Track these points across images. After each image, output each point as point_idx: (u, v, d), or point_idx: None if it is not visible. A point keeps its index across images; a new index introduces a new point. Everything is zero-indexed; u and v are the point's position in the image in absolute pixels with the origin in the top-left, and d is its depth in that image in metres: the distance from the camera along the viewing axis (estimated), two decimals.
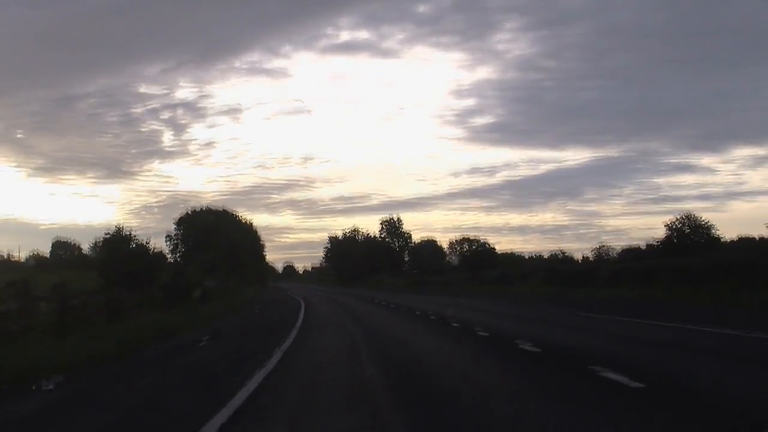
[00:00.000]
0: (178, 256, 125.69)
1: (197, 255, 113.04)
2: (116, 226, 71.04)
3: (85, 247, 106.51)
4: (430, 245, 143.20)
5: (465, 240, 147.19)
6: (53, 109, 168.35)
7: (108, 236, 69.35)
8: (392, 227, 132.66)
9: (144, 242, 71.29)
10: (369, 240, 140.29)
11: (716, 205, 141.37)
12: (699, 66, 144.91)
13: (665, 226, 55.12)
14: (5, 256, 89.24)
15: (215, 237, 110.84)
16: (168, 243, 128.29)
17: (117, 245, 68.49)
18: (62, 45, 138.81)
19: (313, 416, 7.45)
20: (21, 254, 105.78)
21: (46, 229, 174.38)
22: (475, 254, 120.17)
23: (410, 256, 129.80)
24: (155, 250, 74.09)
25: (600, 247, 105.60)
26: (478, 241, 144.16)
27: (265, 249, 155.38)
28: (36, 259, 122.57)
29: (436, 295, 53.40)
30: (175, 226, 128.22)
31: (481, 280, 68.12)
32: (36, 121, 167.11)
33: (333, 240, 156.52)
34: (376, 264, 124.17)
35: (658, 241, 57.64)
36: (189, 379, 10.82)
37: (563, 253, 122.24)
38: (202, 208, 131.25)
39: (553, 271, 48.57)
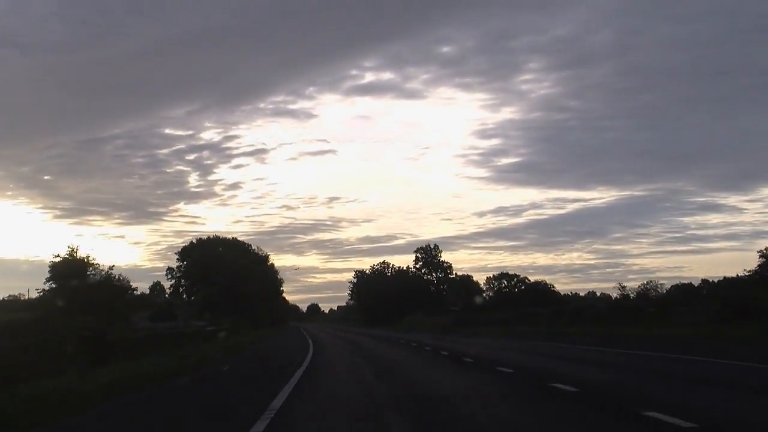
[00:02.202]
0: (180, 292, 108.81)
1: (201, 290, 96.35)
2: (69, 247, 54.63)
3: None
4: (467, 280, 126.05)
5: (503, 276, 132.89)
6: (79, 152, 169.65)
7: (58, 261, 52.80)
8: (429, 257, 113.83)
9: (107, 271, 54.60)
10: (401, 274, 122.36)
11: (744, 245, 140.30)
12: (724, 105, 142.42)
13: (759, 253, 47.85)
14: (17, 295, 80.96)
15: (219, 270, 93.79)
16: (169, 277, 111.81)
17: (70, 274, 51.78)
18: (89, 89, 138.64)
19: None
20: (29, 294, 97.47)
21: None
22: (531, 291, 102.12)
23: (448, 291, 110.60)
24: (123, 283, 56.91)
25: (647, 283, 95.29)
26: (517, 276, 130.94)
27: (282, 285, 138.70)
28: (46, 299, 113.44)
29: (515, 338, 35.67)
30: (177, 258, 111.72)
31: (575, 315, 49.96)
32: (62, 164, 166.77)
33: (360, 276, 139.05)
34: (410, 301, 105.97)
35: (749, 272, 48.52)
36: None
37: (623, 287, 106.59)
38: (209, 237, 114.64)
39: (743, 299, 29.59)
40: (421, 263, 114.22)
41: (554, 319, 58.43)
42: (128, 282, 51.52)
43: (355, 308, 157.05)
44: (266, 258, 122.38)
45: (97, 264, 53.01)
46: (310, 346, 35.32)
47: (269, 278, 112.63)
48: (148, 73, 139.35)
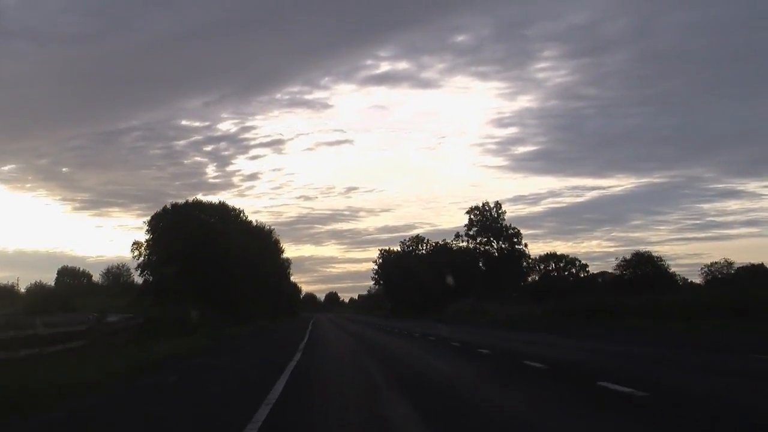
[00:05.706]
0: (149, 273, 79.89)
1: (159, 270, 67.98)
2: None
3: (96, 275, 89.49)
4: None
5: (551, 257, 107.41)
6: (98, 144, 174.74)
7: None
8: (487, 220, 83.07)
9: None
10: (441, 249, 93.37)
11: (764, 231, 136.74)
12: (743, 90, 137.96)
13: None
14: (7, 284, 68.21)
15: (192, 242, 65.28)
16: (135, 255, 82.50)
17: None
18: (105, 81, 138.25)
19: None
20: (21, 285, 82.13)
21: (93, 262, 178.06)
22: (639, 270, 73.45)
23: (520, 269, 79.62)
24: None
25: (713, 264, 79.68)
26: (566, 257, 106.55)
27: (290, 266, 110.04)
28: (37, 289, 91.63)
29: None
30: (147, 229, 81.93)
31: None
32: (81, 156, 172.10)
33: (385, 255, 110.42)
34: (457, 282, 76.90)
35: None
36: None
37: (721, 263, 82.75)
38: (186, 201, 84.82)
39: None
40: (476, 229, 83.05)
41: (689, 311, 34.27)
42: None
43: (379, 295, 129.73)
44: (269, 232, 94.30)
45: None
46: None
47: (268, 256, 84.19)
48: (164, 64, 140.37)
